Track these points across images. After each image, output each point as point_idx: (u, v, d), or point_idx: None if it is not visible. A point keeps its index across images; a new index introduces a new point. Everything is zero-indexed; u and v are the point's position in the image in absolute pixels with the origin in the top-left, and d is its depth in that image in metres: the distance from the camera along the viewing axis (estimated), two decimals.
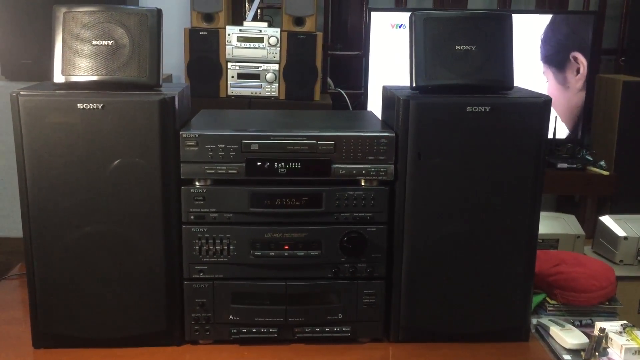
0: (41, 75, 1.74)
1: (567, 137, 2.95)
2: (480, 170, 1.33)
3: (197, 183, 1.33)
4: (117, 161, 1.27)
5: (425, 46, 1.34)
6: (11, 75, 2.44)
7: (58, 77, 1.29)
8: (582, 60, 2.85)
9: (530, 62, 2.81)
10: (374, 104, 2.73)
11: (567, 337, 1.39)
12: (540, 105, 1.32)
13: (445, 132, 1.31)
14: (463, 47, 1.34)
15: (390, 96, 1.41)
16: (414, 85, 1.35)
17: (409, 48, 1.36)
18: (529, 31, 2.81)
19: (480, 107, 1.30)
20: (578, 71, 2.87)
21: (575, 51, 2.85)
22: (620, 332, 1.37)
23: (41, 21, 2.36)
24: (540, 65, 2.86)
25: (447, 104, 1.31)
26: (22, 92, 1.25)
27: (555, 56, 2.86)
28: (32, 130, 1.25)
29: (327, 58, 3.05)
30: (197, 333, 1.37)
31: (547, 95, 1.35)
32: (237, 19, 2.93)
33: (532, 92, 1.43)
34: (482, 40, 1.35)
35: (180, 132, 1.31)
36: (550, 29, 2.83)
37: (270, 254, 1.35)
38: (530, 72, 2.81)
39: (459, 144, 1.31)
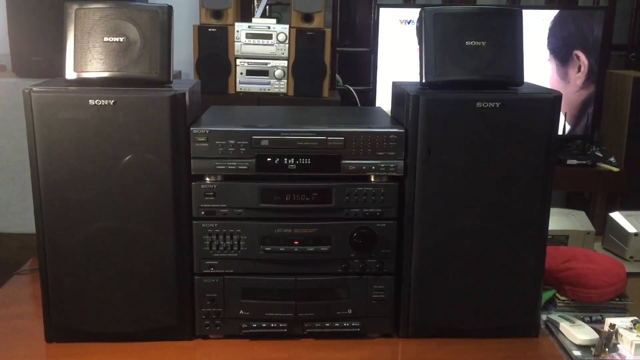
0: (52, 73, 1.75)
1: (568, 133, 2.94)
2: (490, 166, 1.33)
3: (207, 179, 1.34)
4: (129, 157, 1.28)
5: (435, 42, 1.34)
6: (22, 72, 2.46)
7: (70, 74, 1.30)
8: (584, 60, 2.83)
9: (534, 53, 2.81)
10: (383, 101, 2.73)
11: (577, 333, 1.38)
12: (551, 101, 1.32)
13: (455, 127, 1.31)
14: (473, 43, 1.34)
15: (400, 92, 1.41)
16: (423, 81, 1.35)
17: (418, 44, 1.36)
18: (537, 22, 2.80)
19: (490, 103, 1.30)
20: (579, 69, 2.86)
21: (578, 49, 2.84)
22: (631, 328, 1.37)
23: (52, 18, 2.37)
24: (546, 53, 2.85)
25: (457, 100, 1.31)
26: (34, 89, 1.26)
27: (559, 50, 2.85)
28: (45, 127, 1.26)
29: (335, 54, 3.05)
30: (208, 328, 1.37)
31: (558, 91, 1.34)
32: (246, 15, 2.93)
33: (542, 87, 1.43)
34: (492, 36, 1.34)
35: (191, 128, 1.31)
36: (558, 21, 2.82)
37: (280, 249, 1.35)
38: (533, 63, 2.81)
39: (468, 139, 1.31)
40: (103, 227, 1.30)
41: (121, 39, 1.30)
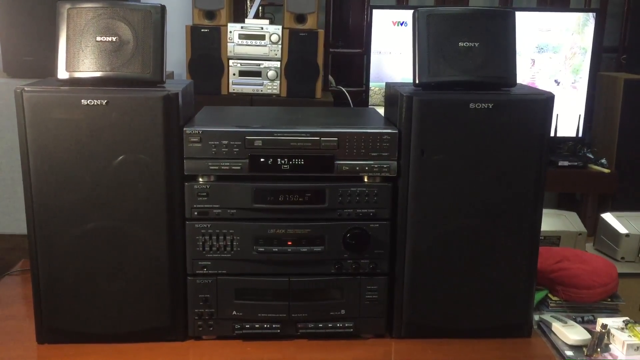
0: (43, 72, 1.74)
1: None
2: (483, 167, 1.33)
3: (200, 179, 1.33)
4: (121, 157, 1.27)
5: (429, 43, 1.34)
6: (13, 72, 2.44)
7: (62, 74, 1.29)
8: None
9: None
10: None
11: (569, 333, 1.39)
12: (543, 102, 1.33)
13: (448, 128, 1.31)
14: (466, 44, 1.35)
15: (393, 93, 1.42)
16: (417, 82, 1.35)
17: (412, 45, 1.36)
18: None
19: (483, 104, 1.31)
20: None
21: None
22: (622, 329, 1.38)
23: (43, 18, 2.35)
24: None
25: (450, 101, 1.31)
26: (26, 89, 1.25)
27: None
28: (37, 126, 1.25)
29: (328, 55, 3.06)
30: (201, 329, 1.37)
31: (550, 92, 1.35)
32: (239, 16, 2.93)
33: (534, 89, 1.44)
34: (485, 37, 1.35)
35: (184, 129, 1.31)
36: None
37: (274, 249, 1.35)
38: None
39: (461, 140, 1.32)
40: (95, 227, 1.29)
41: (114, 39, 1.29)
